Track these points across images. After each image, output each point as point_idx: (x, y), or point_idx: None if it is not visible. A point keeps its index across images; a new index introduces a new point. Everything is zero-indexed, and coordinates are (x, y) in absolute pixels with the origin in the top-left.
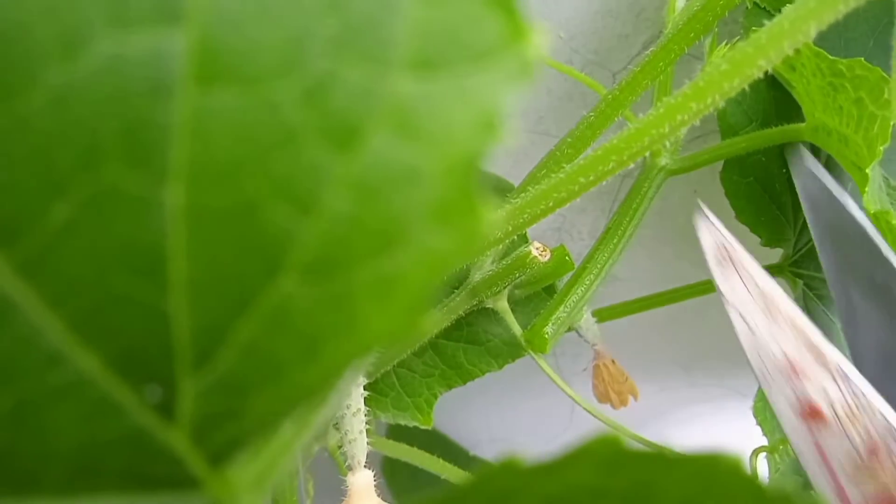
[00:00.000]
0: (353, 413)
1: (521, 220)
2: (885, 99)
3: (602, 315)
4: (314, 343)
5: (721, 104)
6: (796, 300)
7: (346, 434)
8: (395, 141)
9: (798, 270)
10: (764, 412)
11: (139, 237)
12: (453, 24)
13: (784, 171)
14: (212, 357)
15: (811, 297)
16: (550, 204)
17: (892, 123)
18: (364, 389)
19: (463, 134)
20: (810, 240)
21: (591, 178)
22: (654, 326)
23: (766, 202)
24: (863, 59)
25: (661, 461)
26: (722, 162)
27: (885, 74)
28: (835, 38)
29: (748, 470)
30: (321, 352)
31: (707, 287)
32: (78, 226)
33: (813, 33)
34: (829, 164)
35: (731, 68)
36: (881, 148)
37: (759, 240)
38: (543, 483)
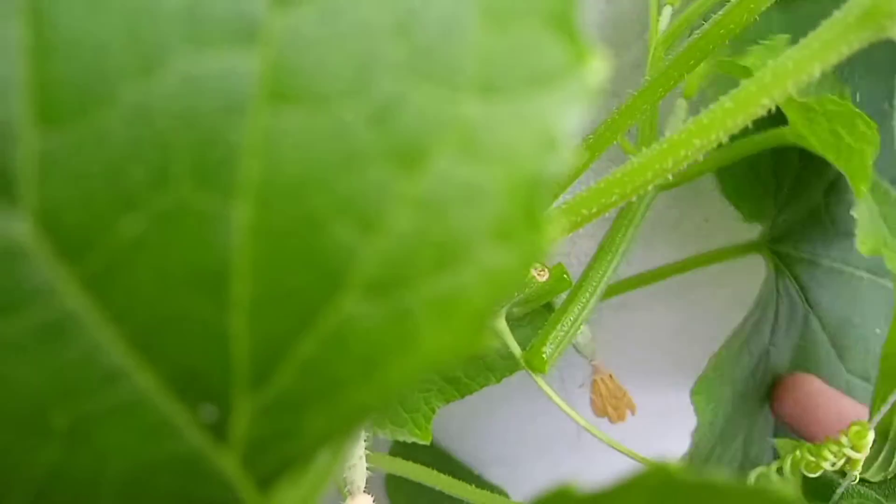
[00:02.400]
0: (352, 438)
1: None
2: (861, 132)
3: (612, 291)
4: (373, 361)
5: (725, 140)
6: (767, 280)
7: (345, 460)
8: (460, 161)
9: (776, 248)
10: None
11: (205, 254)
12: (517, 49)
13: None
14: (270, 376)
15: (785, 275)
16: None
17: (871, 160)
18: None
19: (526, 154)
20: (791, 217)
21: (594, 209)
22: (659, 342)
23: (752, 177)
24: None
25: (713, 490)
26: None
27: (855, 108)
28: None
29: (795, 500)
30: (380, 370)
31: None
32: (146, 241)
33: (817, 74)
34: None
35: (735, 107)
36: (863, 188)
37: (737, 218)
38: None
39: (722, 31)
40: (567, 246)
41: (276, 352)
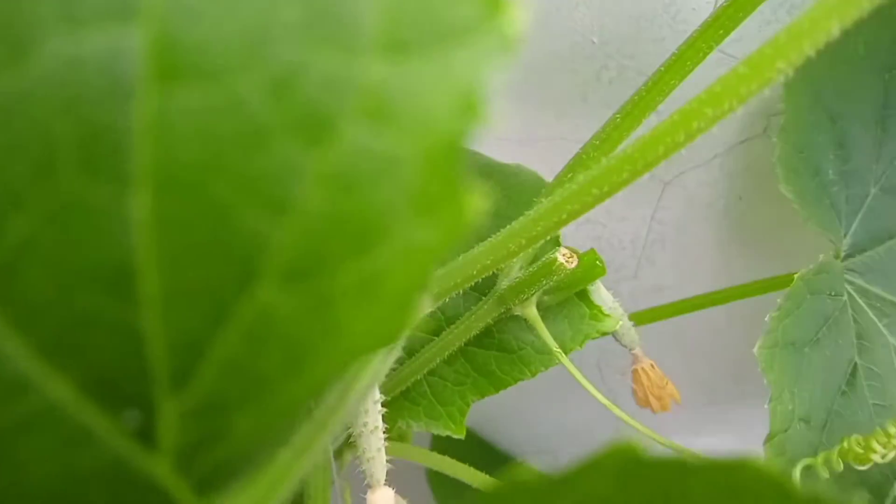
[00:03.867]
0: (370, 431)
1: (537, 231)
2: None
3: (643, 318)
4: (297, 353)
5: (739, 110)
6: (837, 310)
7: (363, 452)
8: (370, 130)
9: (853, 279)
10: (771, 360)
11: (105, 251)
12: (425, 2)
13: (840, 161)
14: (191, 376)
15: (862, 310)
16: (564, 216)
17: None
18: (398, 397)
19: (442, 117)
20: (872, 246)
21: (605, 189)
22: (703, 335)
23: (816, 184)
24: None
25: (682, 469)
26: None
27: None
28: None
29: (775, 473)
30: (306, 362)
31: (755, 288)
32: (38, 242)
33: (836, 32)
34: None
35: (750, 72)
36: None
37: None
38: (556, 499)
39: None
40: (598, 230)
41: (195, 350)
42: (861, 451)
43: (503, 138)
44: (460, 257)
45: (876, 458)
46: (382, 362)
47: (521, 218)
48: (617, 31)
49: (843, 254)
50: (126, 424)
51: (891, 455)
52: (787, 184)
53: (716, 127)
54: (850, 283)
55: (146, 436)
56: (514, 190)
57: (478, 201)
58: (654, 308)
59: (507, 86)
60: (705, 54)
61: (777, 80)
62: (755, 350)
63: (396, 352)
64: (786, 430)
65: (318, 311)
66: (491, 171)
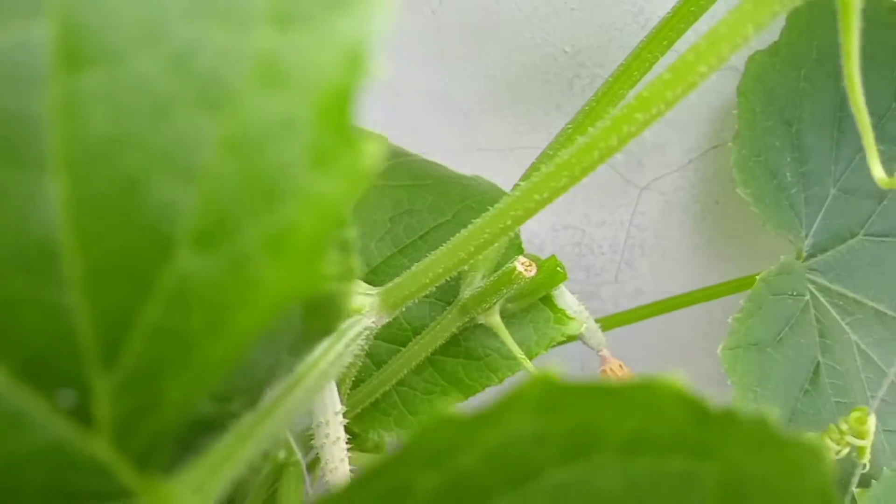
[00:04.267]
0: (332, 441)
1: (484, 238)
2: None
3: (622, 319)
4: (219, 314)
5: (666, 113)
6: (799, 310)
7: (326, 463)
8: (266, 94)
9: (815, 278)
10: (734, 361)
11: (27, 234)
12: None
13: (797, 163)
14: (120, 349)
15: (825, 310)
16: (509, 222)
17: None
18: (369, 408)
19: (329, 75)
20: (833, 245)
21: (546, 194)
22: (685, 336)
23: (774, 187)
24: None
25: (599, 393)
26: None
27: None
28: None
29: (688, 391)
30: (227, 321)
31: (727, 288)
32: None
33: (752, 36)
34: None
35: (674, 77)
36: None
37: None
38: (483, 435)
39: None
40: (577, 235)
41: (121, 323)
42: None
43: (481, 149)
44: (414, 266)
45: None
46: (336, 360)
47: (470, 226)
48: (588, 41)
49: (804, 254)
50: (61, 404)
51: (844, 451)
52: (745, 187)
53: (690, 132)
54: (813, 282)
55: (82, 414)
56: (474, 200)
57: (372, 150)
58: (628, 311)
59: (483, 97)
60: (655, 60)
61: (699, 84)
62: (718, 352)
63: (351, 351)
64: None
65: (234, 270)
66: (451, 183)
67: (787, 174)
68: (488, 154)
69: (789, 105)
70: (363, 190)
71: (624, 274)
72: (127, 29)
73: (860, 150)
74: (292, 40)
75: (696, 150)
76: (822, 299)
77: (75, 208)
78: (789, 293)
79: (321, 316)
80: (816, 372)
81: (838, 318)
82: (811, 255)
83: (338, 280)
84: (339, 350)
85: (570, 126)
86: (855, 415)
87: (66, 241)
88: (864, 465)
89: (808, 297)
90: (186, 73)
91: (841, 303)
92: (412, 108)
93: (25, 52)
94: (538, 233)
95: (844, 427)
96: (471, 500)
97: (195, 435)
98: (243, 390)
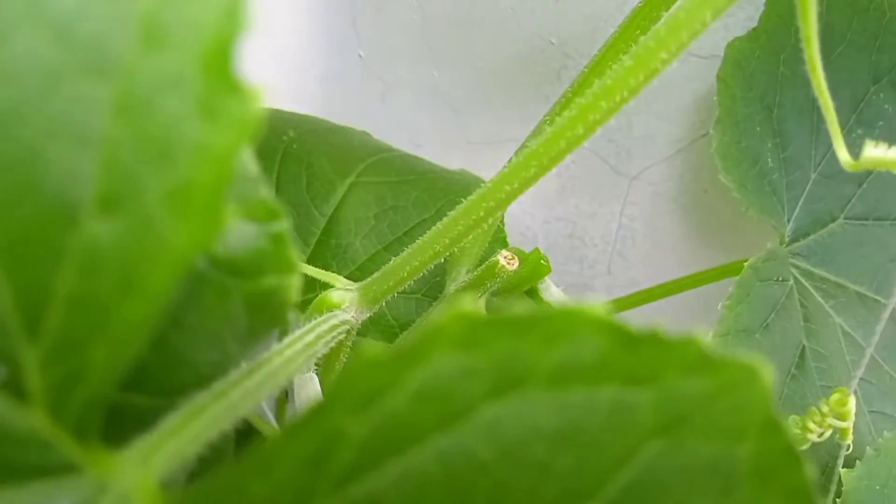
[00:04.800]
0: None
1: (458, 230)
2: None
3: (620, 305)
4: (129, 275)
5: (630, 100)
6: (784, 295)
7: None
8: (149, 54)
9: (798, 263)
10: (724, 348)
11: None
12: None
13: (779, 149)
14: (42, 319)
15: (808, 294)
16: (482, 213)
17: None
18: None
19: (209, 29)
20: (815, 230)
21: (516, 185)
22: (685, 327)
23: (756, 173)
24: None
25: (521, 325)
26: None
27: None
28: None
29: (605, 315)
30: (138, 281)
31: (717, 273)
32: None
33: (710, 21)
34: None
35: (635, 64)
36: None
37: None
38: (408, 375)
39: None
40: (569, 227)
41: (39, 293)
42: (798, 431)
43: (471, 142)
44: (392, 261)
45: (812, 437)
46: (304, 349)
47: (444, 219)
48: (574, 32)
49: (787, 239)
50: None
51: (827, 433)
52: (727, 173)
53: (677, 122)
54: (796, 266)
55: (15, 388)
56: (458, 195)
57: (258, 98)
58: (621, 299)
59: (472, 90)
60: (629, 49)
61: (661, 70)
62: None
63: (324, 342)
64: None
65: (139, 231)
66: (435, 178)
67: (769, 160)
68: (477, 147)
69: (769, 91)
70: (252, 138)
71: (617, 265)
72: (9, 4)
73: (842, 133)
74: (172, 1)
75: (684, 139)
76: (805, 283)
77: None
78: (775, 279)
79: (264, 311)
80: (802, 356)
81: (822, 301)
82: (794, 240)
83: (277, 273)
84: (308, 340)
85: (546, 118)
86: (835, 396)
87: None
88: (848, 447)
89: (791, 281)
90: (71, 43)
91: (824, 286)
92: (401, 102)
93: None
94: (531, 226)
95: (826, 409)
96: (404, 442)
97: (142, 425)
98: (190, 384)
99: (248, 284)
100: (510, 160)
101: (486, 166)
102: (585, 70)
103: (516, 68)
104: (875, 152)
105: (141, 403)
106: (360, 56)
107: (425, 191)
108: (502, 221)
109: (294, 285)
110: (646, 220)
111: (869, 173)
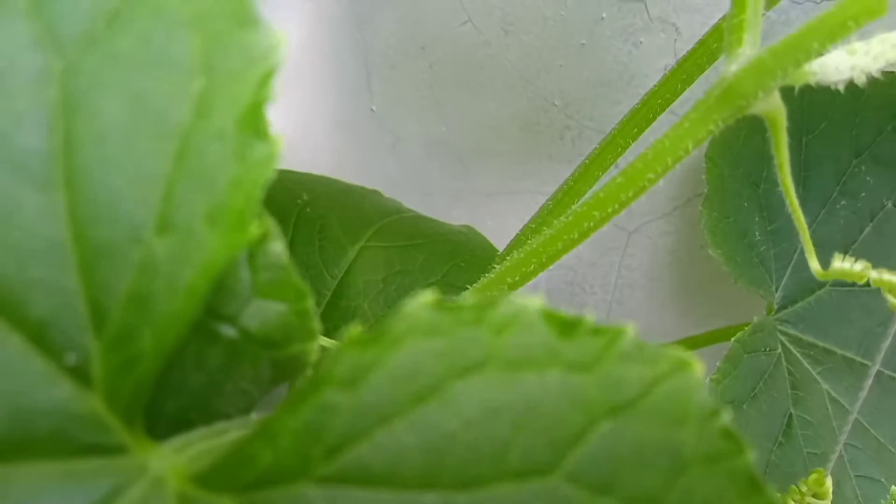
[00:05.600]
0: None
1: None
2: None
3: None
4: (174, 274)
5: (620, 213)
6: (771, 364)
7: None
8: (202, 118)
9: (786, 330)
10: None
11: (41, 237)
12: (237, 38)
13: (766, 222)
14: (107, 315)
15: (796, 361)
16: (510, 281)
17: None
18: None
19: (246, 99)
20: (803, 297)
21: (517, 278)
22: None
23: (744, 246)
24: None
25: (477, 312)
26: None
27: None
28: None
29: (548, 308)
30: (182, 281)
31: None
32: None
33: (691, 150)
34: None
35: (626, 181)
36: None
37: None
38: (390, 356)
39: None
40: (570, 275)
41: (107, 294)
42: None
43: (476, 191)
44: None
45: None
46: None
47: (470, 289)
48: (576, 95)
49: (775, 307)
50: (66, 364)
51: None
52: (716, 248)
53: (675, 180)
54: (784, 333)
55: (81, 374)
56: (463, 259)
57: (278, 144)
58: None
59: (479, 145)
60: (656, 115)
61: (649, 188)
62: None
63: None
64: None
65: (185, 241)
66: (442, 241)
67: (756, 233)
68: (483, 197)
69: (755, 168)
70: (273, 174)
71: (615, 313)
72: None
73: (825, 205)
74: (219, 82)
75: (681, 197)
76: (793, 350)
77: (74, 219)
78: (763, 349)
79: (288, 369)
80: (789, 424)
81: (810, 368)
82: (782, 307)
83: (301, 342)
84: None
85: (570, 179)
86: (813, 476)
87: (68, 241)
88: None
89: (780, 349)
90: (143, 113)
91: (812, 353)
92: (411, 154)
93: None
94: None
95: (804, 489)
96: (387, 415)
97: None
98: (222, 414)
99: (277, 353)
100: (509, 244)
101: (492, 214)
102: (613, 131)
103: (521, 126)
104: (842, 265)
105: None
106: (372, 110)
107: (432, 254)
108: None
109: (314, 349)
110: (644, 271)
111: (854, 241)
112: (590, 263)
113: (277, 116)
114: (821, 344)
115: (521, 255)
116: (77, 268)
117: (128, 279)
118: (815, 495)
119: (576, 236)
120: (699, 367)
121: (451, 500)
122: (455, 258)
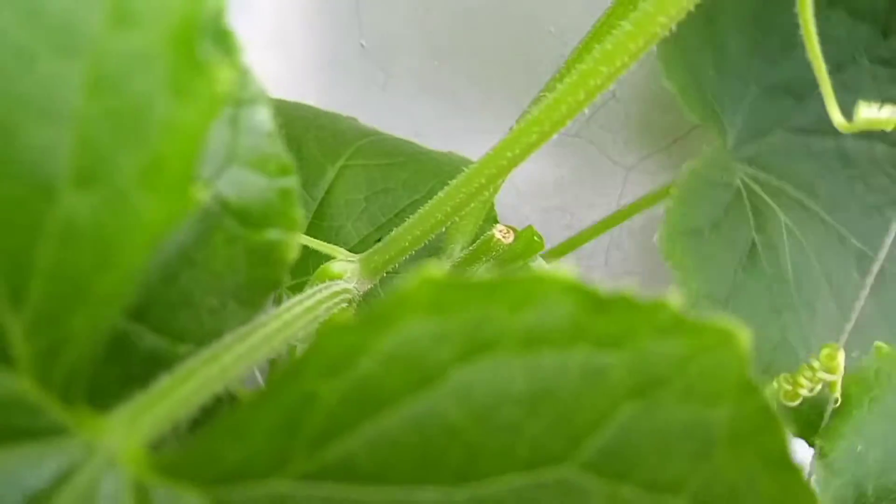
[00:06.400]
0: None
1: (456, 202)
2: None
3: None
4: (106, 247)
5: (631, 66)
6: (732, 195)
7: None
8: (119, 32)
9: (744, 168)
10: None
11: None
12: None
13: (720, 58)
14: (25, 290)
15: (755, 194)
16: (483, 181)
17: None
18: None
19: (176, 8)
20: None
21: (518, 151)
22: None
23: (697, 80)
24: None
25: (489, 289)
26: None
27: None
28: None
29: (571, 278)
30: (115, 253)
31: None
32: None
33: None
34: None
35: (636, 29)
36: None
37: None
38: (379, 339)
39: None
40: (566, 217)
41: (22, 267)
42: (790, 387)
43: (473, 130)
44: (387, 237)
45: (804, 392)
46: (302, 314)
47: (447, 187)
48: (572, 20)
49: (730, 147)
50: None
51: (817, 388)
52: (670, 79)
53: (673, 112)
54: (742, 170)
55: (3, 356)
56: (447, 175)
57: (226, 76)
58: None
59: (473, 79)
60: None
61: (661, 35)
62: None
63: (326, 307)
64: (692, 308)
65: (114, 205)
66: (425, 159)
67: (710, 71)
68: (479, 136)
69: (713, 7)
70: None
71: (613, 256)
72: None
73: (782, 50)
74: None
75: (680, 129)
76: (753, 186)
77: None
78: (720, 181)
79: (264, 264)
80: (753, 250)
81: (770, 201)
82: (737, 146)
83: (280, 228)
84: (307, 304)
85: (546, 88)
86: (825, 351)
87: None
88: (836, 400)
89: (738, 184)
90: (42, 23)
91: (770, 189)
92: (402, 91)
93: None
94: (529, 215)
95: (816, 364)
96: (377, 406)
97: (146, 375)
98: (191, 331)
99: (254, 234)
100: (511, 127)
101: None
102: (580, 46)
103: (515, 57)
104: (868, 112)
105: (135, 356)
106: (362, 45)
107: (415, 172)
108: (493, 206)
109: (294, 244)
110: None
111: (809, 86)
112: (588, 205)
113: (259, 52)
114: (776, 183)
115: (523, 124)
116: None
117: (46, 248)
118: (826, 370)
119: (582, 97)
120: (746, 337)
121: (449, 496)
122: (439, 175)
